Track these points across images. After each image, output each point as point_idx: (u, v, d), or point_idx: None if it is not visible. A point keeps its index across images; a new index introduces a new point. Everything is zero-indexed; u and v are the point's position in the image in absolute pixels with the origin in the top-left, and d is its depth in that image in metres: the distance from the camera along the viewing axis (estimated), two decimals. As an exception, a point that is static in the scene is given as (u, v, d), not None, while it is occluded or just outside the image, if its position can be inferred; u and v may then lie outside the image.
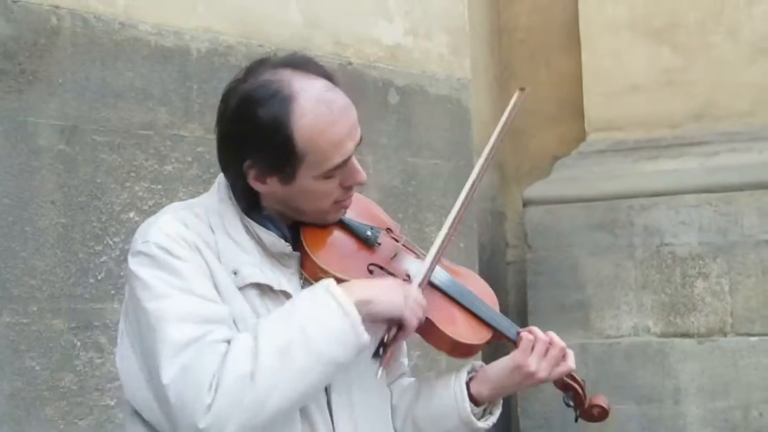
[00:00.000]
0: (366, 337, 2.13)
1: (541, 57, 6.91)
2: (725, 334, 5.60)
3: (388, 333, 2.22)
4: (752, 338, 5.55)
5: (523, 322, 6.10)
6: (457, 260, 4.87)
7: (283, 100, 2.18)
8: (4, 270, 3.44)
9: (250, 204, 2.30)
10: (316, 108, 2.20)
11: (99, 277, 3.67)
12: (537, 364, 2.46)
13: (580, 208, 5.97)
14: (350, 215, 2.41)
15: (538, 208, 6.09)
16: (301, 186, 2.23)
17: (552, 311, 5.92)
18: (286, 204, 2.29)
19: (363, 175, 2.29)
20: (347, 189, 2.31)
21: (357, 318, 2.12)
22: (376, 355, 2.21)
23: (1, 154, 3.46)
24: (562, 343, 2.50)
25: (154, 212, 3.71)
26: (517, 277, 6.73)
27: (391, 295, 2.22)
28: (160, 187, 3.86)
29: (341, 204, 2.33)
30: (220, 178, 2.35)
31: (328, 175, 2.23)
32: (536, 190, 6.21)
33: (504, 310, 6.70)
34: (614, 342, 5.82)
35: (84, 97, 3.68)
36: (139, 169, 3.81)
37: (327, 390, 2.26)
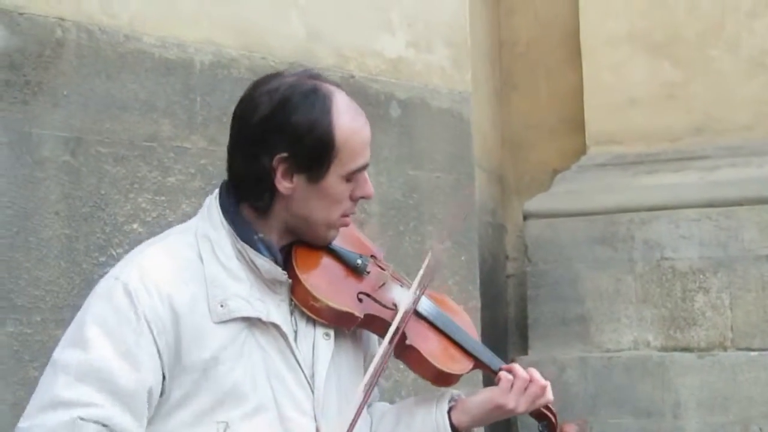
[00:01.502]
0: None
1: (542, 70, 6.92)
2: (725, 349, 5.61)
3: None
4: (752, 353, 5.55)
5: (523, 336, 6.14)
6: (459, 273, 4.93)
7: (324, 97, 2.28)
8: (7, 280, 3.45)
9: (260, 211, 2.31)
10: (349, 109, 2.31)
11: (102, 288, 3.67)
12: (516, 402, 2.50)
13: (581, 221, 5.97)
14: (339, 242, 2.44)
15: (538, 222, 6.09)
16: (326, 185, 2.28)
17: (552, 324, 5.93)
18: (299, 212, 2.31)
19: (372, 188, 2.37)
20: (355, 201, 2.36)
21: None
22: None
23: (6, 165, 3.47)
24: (543, 381, 2.53)
25: (158, 223, 3.78)
26: (517, 290, 6.73)
27: None
28: (163, 198, 3.86)
29: (345, 219, 2.37)
30: (209, 201, 2.39)
31: (350, 178, 2.30)
32: (536, 203, 6.22)
33: (504, 323, 6.74)
34: (614, 356, 5.82)
35: (88, 109, 3.69)
36: (142, 180, 3.81)
37: (315, 418, 2.29)
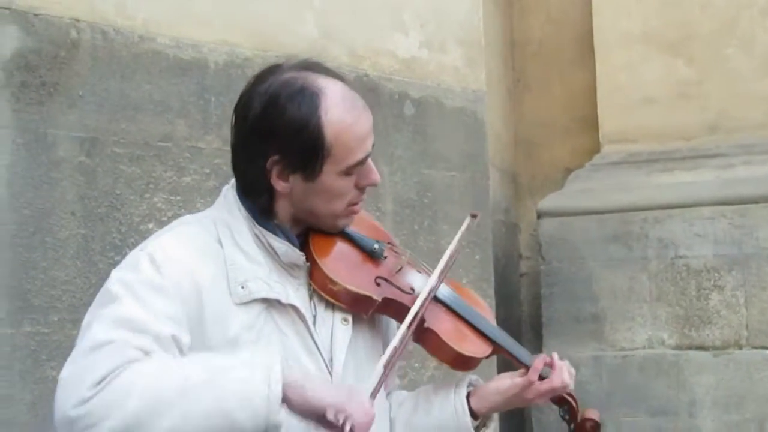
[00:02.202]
0: (278, 417, 2.03)
1: (555, 69, 6.91)
2: (740, 347, 5.60)
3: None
4: (767, 351, 5.55)
5: (537, 335, 6.14)
6: (473, 272, 4.93)
7: (311, 96, 2.24)
8: (24, 280, 3.47)
9: (264, 207, 2.31)
10: (341, 103, 2.26)
11: (118, 288, 3.69)
12: (535, 394, 2.54)
13: (594, 220, 5.97)
14: (355, 228, 2.45)
15: (551, 220, 6.09)
16: (323, 183, 2.27)
17: (566, 323, 5.92)
18: (302, 206, 2.32)
19: (377, 175, 2.35)
20: (361, 190, 2.36)
21: (277, 394, 2.03)
22: None
23: (22, 166, 3.49)
24: (569, 381, 2.56)
25: (173, 223, 3.78)
26: (530, 289, 6.73)
27: (330, 389, 2.13)
28: (178, 198, 3.88)
29: (353, 208, 2.38)
30: (226, 189, 2.40)
31: (348, 172, 2.28)
32: (550, 202, 6.21)
33: (517, 322, 6.75)
34: (628, 354, 5.81)
35: (103, 110, 3.71)
36: (158, 180, 3.83)
37: None
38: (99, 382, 2.00)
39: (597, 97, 6.40)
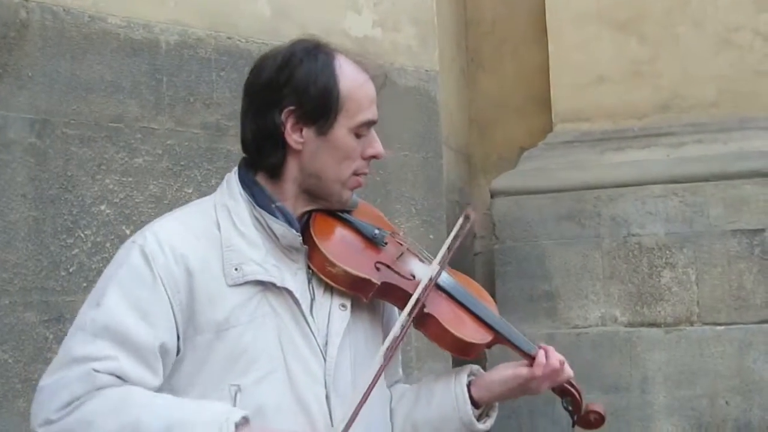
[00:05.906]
0: None
1: (508, 48, 6.93)
2: (692, 324, 5.65)
3: None
4: (718, 327, 5.59)
5: (492, 313, 6.15)
6: (427, 251, 4.92)
7: (326, 55, 2.36)
8: (-25, 263, 3.45)
9: (275, 165, 2.35)
10: (352, 66, 2.37)
11: (70, 270, 3.67)
12: (539, 384, 2.53)
13: (548, 198, 6.00)
14: (358, 217, 2.46)
15: (505, 199, 6.11)
16: (335, 138, 2.32)
17: (520, 301, 5.95)
18: (311, 167, 2.35)
19: (381, 147, 2.40)
20: (366, 161, 2.38)
21: None
22: None
23: (-28, 148, 3.46)
24: (559, 360, 2.56)
25: (125, 204, 3.77)
26: (484, 268, 6.75)
27: None
28: (130, 179, 3.86)
29: (358, 178, 2.39)
30: (228, 176, 2.42)
31: (358, 132, 2.34)
32: (503, 181, 6.24)
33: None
34: (582, 332, 5.85)
35: (54, 90, 3.68)
36: (109, 161, 3.81)
37: (326, 386, 2.30)
38: (65, 407, 2.12)
39: (550, 76, 6.42)
